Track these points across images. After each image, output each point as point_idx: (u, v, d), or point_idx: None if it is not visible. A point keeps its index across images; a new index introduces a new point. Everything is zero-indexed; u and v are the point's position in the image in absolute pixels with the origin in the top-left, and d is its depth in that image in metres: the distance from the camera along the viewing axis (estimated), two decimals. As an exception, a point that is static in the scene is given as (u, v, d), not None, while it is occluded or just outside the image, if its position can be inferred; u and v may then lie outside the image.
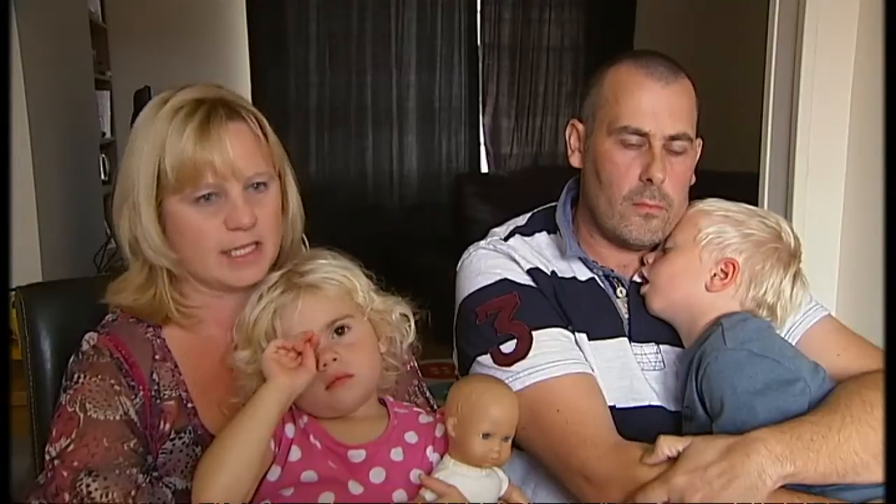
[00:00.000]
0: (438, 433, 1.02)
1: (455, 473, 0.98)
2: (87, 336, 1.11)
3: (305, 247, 1.22)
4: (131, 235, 1.10)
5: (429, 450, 1.02)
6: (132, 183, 1.08)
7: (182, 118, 1.06)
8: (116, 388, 1.06)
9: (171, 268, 1.11)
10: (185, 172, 1.05)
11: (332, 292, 1.03)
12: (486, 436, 0.97)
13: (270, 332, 1.01)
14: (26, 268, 2.11)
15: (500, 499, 1.02)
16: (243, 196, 1.08)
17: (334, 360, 0.99)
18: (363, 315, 1.05)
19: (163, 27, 4.33)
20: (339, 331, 1.02)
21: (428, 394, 1.25)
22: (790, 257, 1.24)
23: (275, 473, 0.96)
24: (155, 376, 1.10)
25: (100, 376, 1.06)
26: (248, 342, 1.03)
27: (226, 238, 1.08)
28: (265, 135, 1.12)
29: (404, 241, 4.75)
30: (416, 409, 1.09)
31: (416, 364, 1.25)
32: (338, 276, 1.05)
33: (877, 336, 1.29)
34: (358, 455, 0.99)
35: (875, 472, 1.05)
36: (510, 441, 1.00)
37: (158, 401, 1.08)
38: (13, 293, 1.26)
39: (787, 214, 2.09)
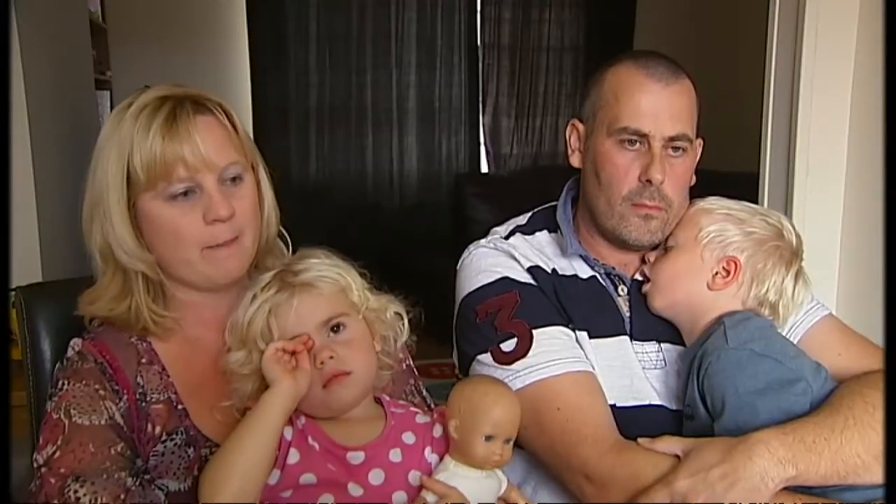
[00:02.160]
0: (436, 433, 1.02)
1: (456, 475, 0.97)
2: (72, 342, 1.11)
3: (286, 243, 1.21)
4: (103, 242, 1.08)
5: (427, 450, 1.01)
6: (102, 188, 1.06)
7: (147, 115, 1.04)
8: (101, 392, 1.05)
9: (147, 271, 1.09)
10: (156, 169, 1.03)
11: (326, 290, 1.03)
12: (488, 438, 0.96)
13: (266, 331, 1.01)
14: (26, 268, 2.11)
15: (499, 499, 1.01)
16: (219, 189, 1.07)
17: (331, 357, 0.99)
18: (358, 313, 1.05)
19: (163, 27, 4.33)
20: (335, 329, 1.02)
21: (424, 392, 1.24)
22: (792, 255, 1.24)
23: (274, 477, 0.96)
24: (140, 380, 1.08)
25: (84, 381, 1.05)
26: (242, 343, 1.02)
27: (205, 234, 1.06)
28: (234, 127, 1.10)
29: (404, 241, 4.75)
30: (412, 408, 1.09)
31: (412, 363, 1.25)
32: (332, 275, 1.04)
33: (877, 336, 1.29)
34: (356, 457, 0.98)
35: (877, 474, 1.05)
36: (512, 443, 0.99)
37: (144, 404, 1.07)
38: (13, 293, 1.26)
39: (787, 214, 2.09)
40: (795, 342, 1.25)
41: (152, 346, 1.12)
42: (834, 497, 1.06)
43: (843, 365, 1.22)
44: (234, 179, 1.09)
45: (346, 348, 1.01)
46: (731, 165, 3.22)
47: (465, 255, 1.33)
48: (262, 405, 0.95)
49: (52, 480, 0.99)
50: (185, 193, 1.05)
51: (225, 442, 0.95)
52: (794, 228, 1.26)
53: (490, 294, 1.25)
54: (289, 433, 0.98)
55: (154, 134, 1.03)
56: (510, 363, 1.19)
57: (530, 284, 1.26)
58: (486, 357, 1.22)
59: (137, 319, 1.10)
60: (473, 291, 1.27)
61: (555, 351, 1.19)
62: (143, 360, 1.10)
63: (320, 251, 1.09)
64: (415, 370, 1.26)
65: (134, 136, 1.04)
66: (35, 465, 1.02)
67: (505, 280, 1.26)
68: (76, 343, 1.10)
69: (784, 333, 1.24)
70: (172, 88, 1.09)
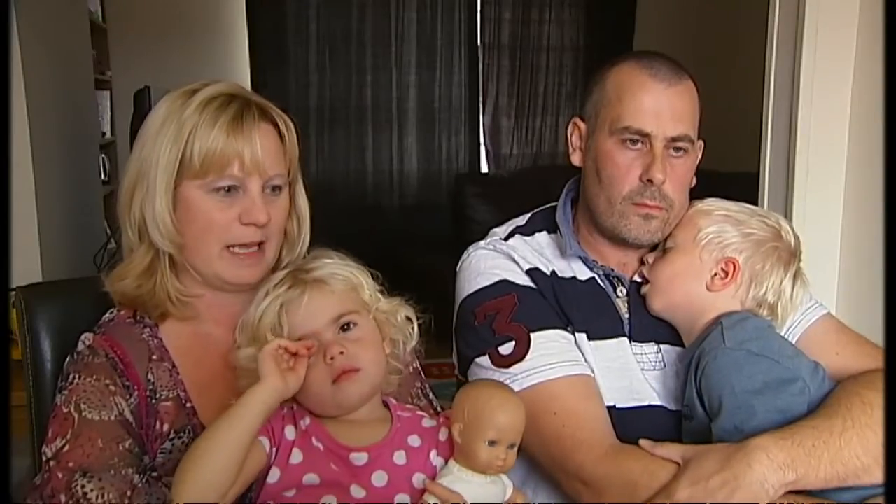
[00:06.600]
0: (442, 437, 1.02)
1: (460, 479, 0.97)
2: (83, 336, 1.12)
3: None
4: (141, 218, 1.10)
5: (432, 454, 1.01)
6: (149, 166, 1.09)
7: (216, 109, 1.08)
8: (111, 388, 1.06)
9: (174, 253, 1.11)
10: (213, 160, 1.07)
11: (338, 287, 1.04)
12: (491, 443, 0.96)
13: (277, 327, 1.01)
14: (26, 268, 2.11)
15: None
16: (261, 195, 1.10)
17: (341, 353, 0.99)
18: (369, 313, 1.05)
19: (163, 27, 4.33)
20: (346, 327, 1.02)
21: (431, 396, 1.25)
22: (790, 256, 1.24)
23: (274, 476, 0.96)
24: (150, 376, 1.09)
25: (94, 376, 1.06)
26: (253, 339, 1.02)
27: (235, 232, 1.09)
28: (289, 140, 1.14)
29: (404, 241, 4.74)
30: (419, 412, 1.09)
31: (419, 366, 1.25)
32: (345, 273, 1.06)
33: (877, 336, 1.29)
34: (360, 458, 0.98)
35: (876, 475, 1.05)
36: (516, 448, 0.99)
37: (154, 401, 1.08)
38: (13, 293, 1.26)
39: (787, 214, 2.09)
40: (793, 342, 1.25)
41: (163, 343, 1.13)
42: (832, 497, 1.06)
43: (841, 364, 1.22)
44: (274, 189, 1.12)
45: (356, 345, 1.01)
46: (731, 165, 3.22)
47: (464, 256, 1.33)
48: (244, 399, 0.94)
49: (60, 474, 0.99)
50: (229, 189, 1.09)
51: (203, 432, 0.94)
52: (792, 229, 1.26)
53: (489, 296, 1.25)
54: (291, 433, 0.98)
55: (219, 127, 1.07)
56: (507, 366, 1.19)
57: (529, 287, 1.26)
58: (484, 360, 1.22)
59: (161, 298, 1.12)
60: (472, 294, 1.27)
61: (552, 354, 1.19)
62: (154, 357, 1.11)
63: (334, 252, 1.10)
64: (422, 373, 1.26)
65: (198, 123, 1.07)
66: (43, 457, 1.03)
67: (504, 283, 1.25)
68: (87, 337, 1.11)
69: (782, 333, 1.24)
70: (234, 87, 1.13)
